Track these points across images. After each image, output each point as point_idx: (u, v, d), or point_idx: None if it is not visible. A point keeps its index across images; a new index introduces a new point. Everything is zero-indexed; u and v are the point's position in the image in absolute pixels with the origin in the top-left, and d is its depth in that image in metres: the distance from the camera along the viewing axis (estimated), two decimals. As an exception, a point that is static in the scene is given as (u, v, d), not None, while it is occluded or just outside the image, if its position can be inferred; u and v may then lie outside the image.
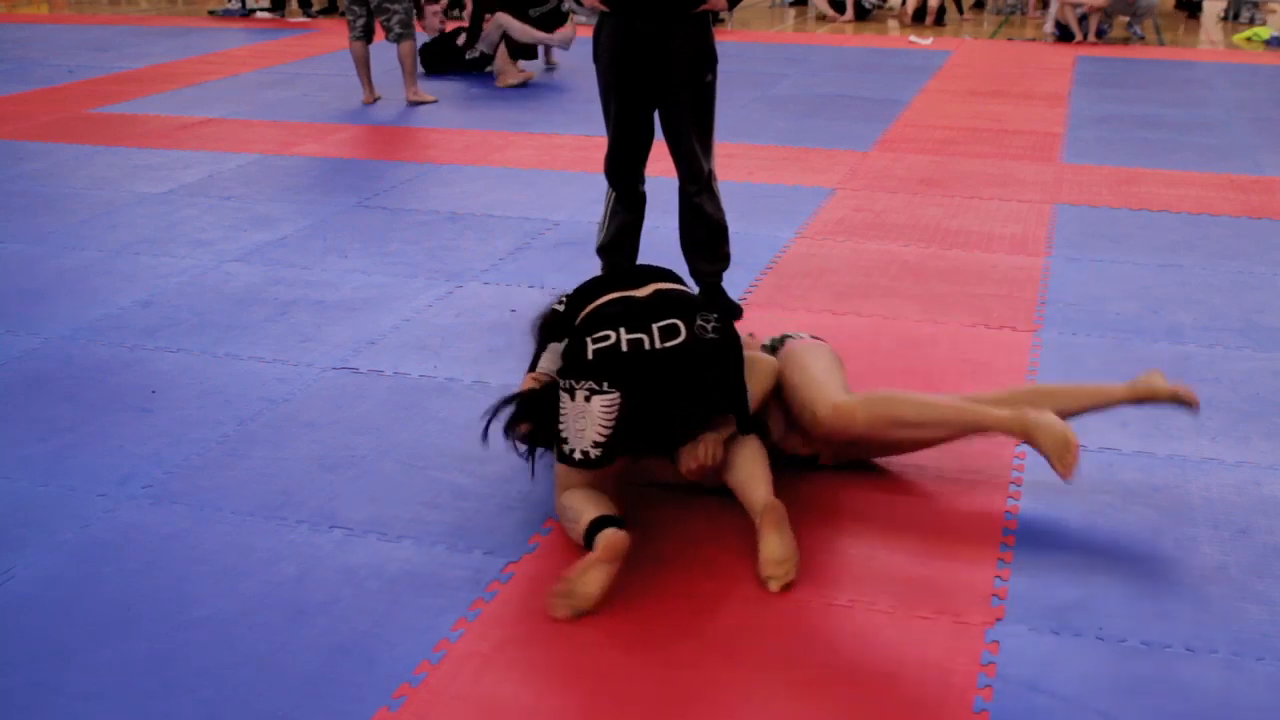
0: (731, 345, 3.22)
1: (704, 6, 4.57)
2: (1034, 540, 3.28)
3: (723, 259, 4.91)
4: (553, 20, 10.45)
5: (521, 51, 10.34)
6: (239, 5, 14.93)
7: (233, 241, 5.83)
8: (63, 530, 3.31)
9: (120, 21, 14.44)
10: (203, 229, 6.03)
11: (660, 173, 5.08)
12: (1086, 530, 3.34)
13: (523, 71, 10.21)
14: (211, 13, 14.94)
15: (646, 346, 3.10)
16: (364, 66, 9.04)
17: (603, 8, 4.60)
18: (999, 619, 2.95)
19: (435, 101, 9.18)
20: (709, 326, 3.16)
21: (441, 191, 6.74)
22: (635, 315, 3.15)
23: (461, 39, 10.63)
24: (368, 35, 8.90)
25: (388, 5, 8.79)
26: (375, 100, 9.13)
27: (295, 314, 4.90)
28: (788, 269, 5.41)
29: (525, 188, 6.79)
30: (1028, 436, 3.27)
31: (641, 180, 4.87)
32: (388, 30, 8.85)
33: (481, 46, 10.40)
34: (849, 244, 5.76)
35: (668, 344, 3.11)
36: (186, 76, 10.39)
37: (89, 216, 6.25)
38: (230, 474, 3.63)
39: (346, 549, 3.23)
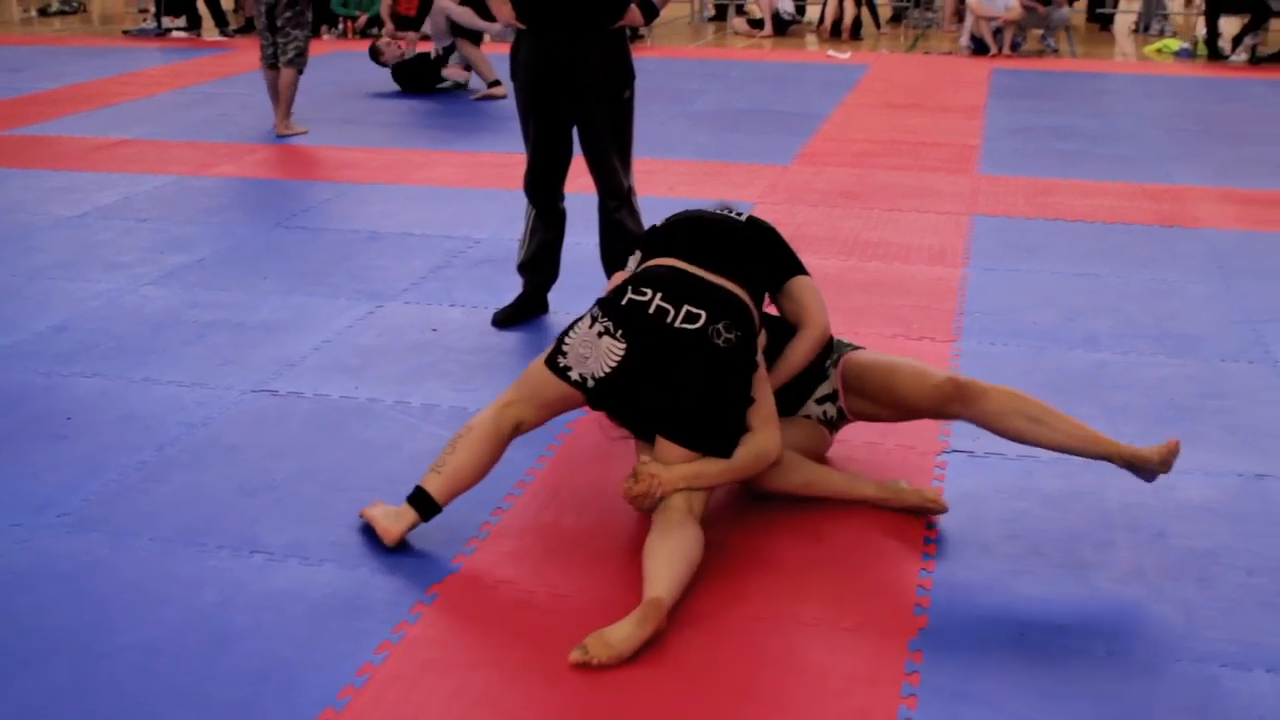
0: (735, 363, 3.20)
1: (620, 22, 4.58)
2: (955, 549, 3.31)
3: None
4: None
5: (471, 36, 10.35)
6: (154, 25, 14.76)
7: (149, 264, 5.76)
8: (-24, 561, 3.25)
9: (33, 42, 14.23)
10: (119, 252, 5.95)
11: (580, 189, 5.09)
12: (1007, 538, 3.38)
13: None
14: (126, 32, 14.77)
15: (667, 320, 3.17)
16: (276, 92, 8.74)
17: (520, 25, 4.60)
18: (922, 628, 2.97)
19: (305, 132, 8.76)
20: (722, 335, 3.18)
21: (361, 211, 6.70)
22: (677, 288, 3.22)
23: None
24: (276, 62, 8.57)
25: (290, 30, 8.46)
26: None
27: (213, 337, 4.85)
28: (710, 283, 5.42)
29: (446, 206, 6.77)
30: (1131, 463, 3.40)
31: (561, 197, 4.88)
32: (281, 54, 8.47)
33: (435, 41, 10.39)
34: (770, 258, 5.78)
35: (683, 326, 3.16)
36: (102, 97, 10.26)
37: (1, 240, 6.15)
38: (149, 500, 3.58)
39: (268, 574, 3.20)
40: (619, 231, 4.83)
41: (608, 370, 3.17)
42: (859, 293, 5.28)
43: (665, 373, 3.16)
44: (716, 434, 3.21)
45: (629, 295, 3.22)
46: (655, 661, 2.83)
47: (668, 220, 3.59)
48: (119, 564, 3.24)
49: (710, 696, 2.72)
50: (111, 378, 4.45)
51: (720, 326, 3.17)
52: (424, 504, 3.28)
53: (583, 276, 5.28)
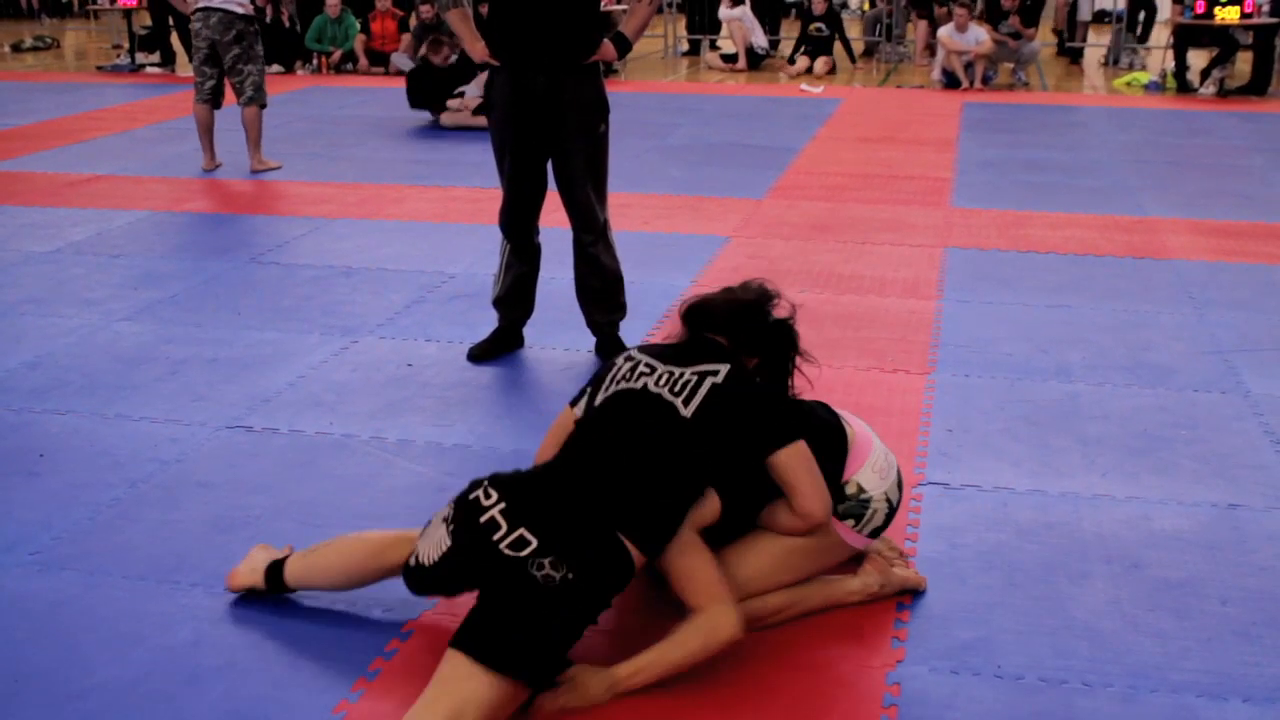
0: (553, 603, 2.74)
1: (595, 57, 4.60)
2: (932, 581, 3.31)
3: (619, 308, 4.94)
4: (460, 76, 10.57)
5: None
6: (128, 61, 14.76)
7: (122, 300, 5.73)
8: (-53, 601, 3.22)
9: (6, 78, 14.20)
10: (91, 288, 5.93)
11: (555, 223, 5.09)
12: (982, 569, 3.38)
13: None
14: (100, 68, 14.76)
15: (494, 537, 2.80)
16: (207, 131, 8.59)
17: (494, 62, 4.61)
18: (900, 660, 2.97)
19: (280, 167, 8.73)
20: (544, 571, 2.74)
21: (335, 246, 6.70)
22: (524, 504, 2.84)
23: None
24: (215, 99, 8.46)
25: (241, 66, 8.30)
26: (216, 166, 8.72)
27: (187, 373, 4.83)
28: (684, 317, 5.42)
29: (420, 241, 6.77)
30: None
31: (536, 232, 4.88)
32: (239, 93, 8.36)
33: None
34: (745, 291, 5.79)
35: (505, 550, 2.77)
36: (74, 133, 10.24)
37: (-27, 277, 6.12)
38: (122, 538, 3.55)
39: (242, 612, 3.18)
40: (595, 266, 4.84)
41: (432, 561, 2.88)
42: (833, 326, 5.30)
43: (481, 586, 2.83)
44: (520, 662, 2.70)
45: (476, 492, 2.90)
46: (638, 695, 2.82)
47: (607, 398, 3.08)
48: (91, 602, 3.22)
49: (684, 713, 2.72)
50: (84, 414, 4.43)
51: (546, 561, 2.73)
52: (275, 578, 3.19)
53: (558, 310, 5.28)
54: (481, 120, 10.38)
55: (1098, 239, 6.84)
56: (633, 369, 3.07)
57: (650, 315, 5.40)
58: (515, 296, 4.95)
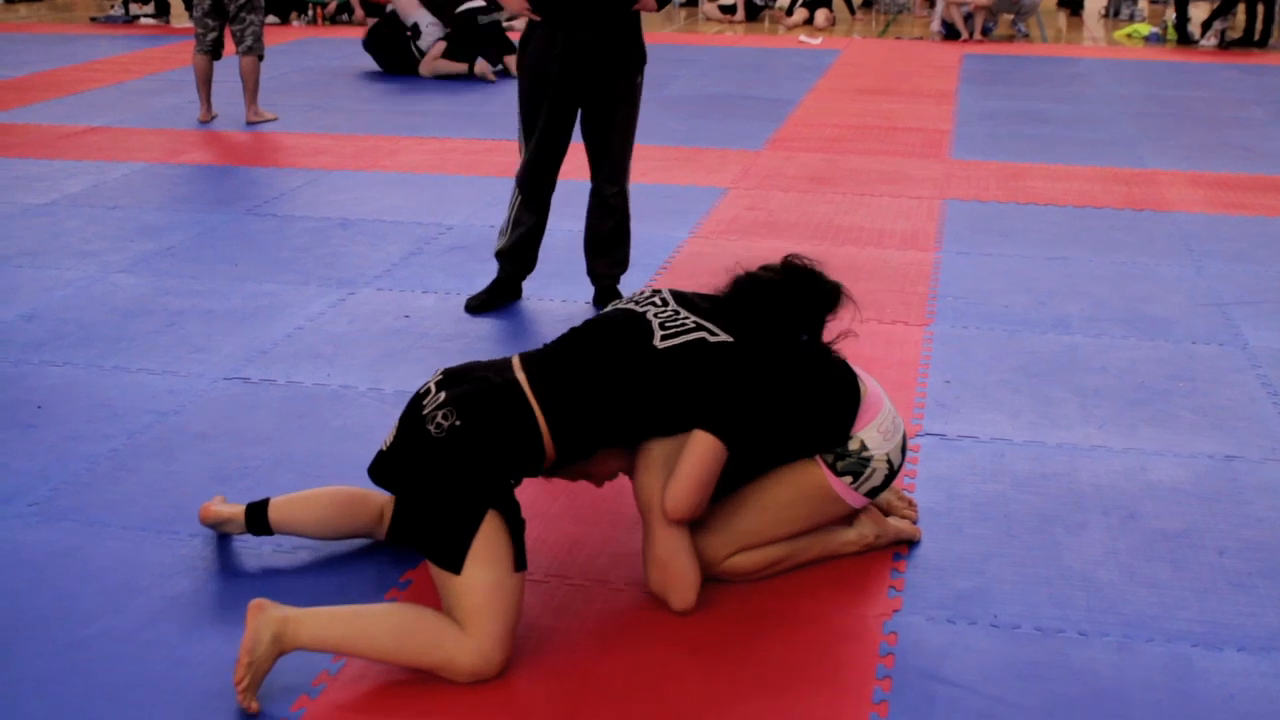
0: (441, 455, 2.75)
1: (636, 7, 4.57)
2: (929, 531, 3.32)
3: (623, 261, 4.93)
4: (491, 38, 10.50)
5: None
6: (122, 12, 14.66)
7: (119, 252, 5.72)
8: (-54, 551, 3.23)
9: (-1, 30, 14.12)
10: (88, 240, 5.91)
11: (561, 176, 5.05)
12: (979, 520, 3.39)
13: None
14: (94, 19, 14.66)
15: (423, 404, 2.83)
16: (206, 82, 8.56)
17: (533, 16, 4.54)
18: (896, 610, 2.98)
19: (276, 119, 8.70)
20: (434, 421, 2.77)
21: (332, 197, 6.67)
22: (458, 377, 2.88)
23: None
24: (216, 50, 8.43)
25: (245, 15, 8.29)
26: (213, 118, 8.68)
27: (184, 324, 4.82)
28: (682, 269, 5.42)
29: (418, 192, 6.74)
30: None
31: (553, 187, 4.85)
32: (239, 41, 8.34)
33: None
34: (742, 242, 5.79)
35: (424, 408, 2.81)
36: (69, 84, 10.18)
37: (-31, 229, 6.10)
38: (120, 489, 3.56)
39: (241, 562, 3.18)
40: (613, 216, 4.83)
41: (388, 445, 2.91)
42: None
43: (405, 461, 2.85)
44: (422, 534, 2.77)
45: (429, 381, 2.92)
46: (633, 637, 2.84)
47: (611, 309, 3.14)
48: (90, 553, 3.22)
49: (679, 678, 2.72)
50: (81, 366, 4.43)
51: (440, 412, 2.77)
52: (256, 518, 3.16)
53: (555, 263, 5.27)
54: (462, 66, 10.36)
55: (1097, 191, 6.82)
56: (650, 296, 3.09)
57: (648, 266, 5.39)
58: (521, 250, 4.92)
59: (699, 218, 6.21)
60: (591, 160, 4.79)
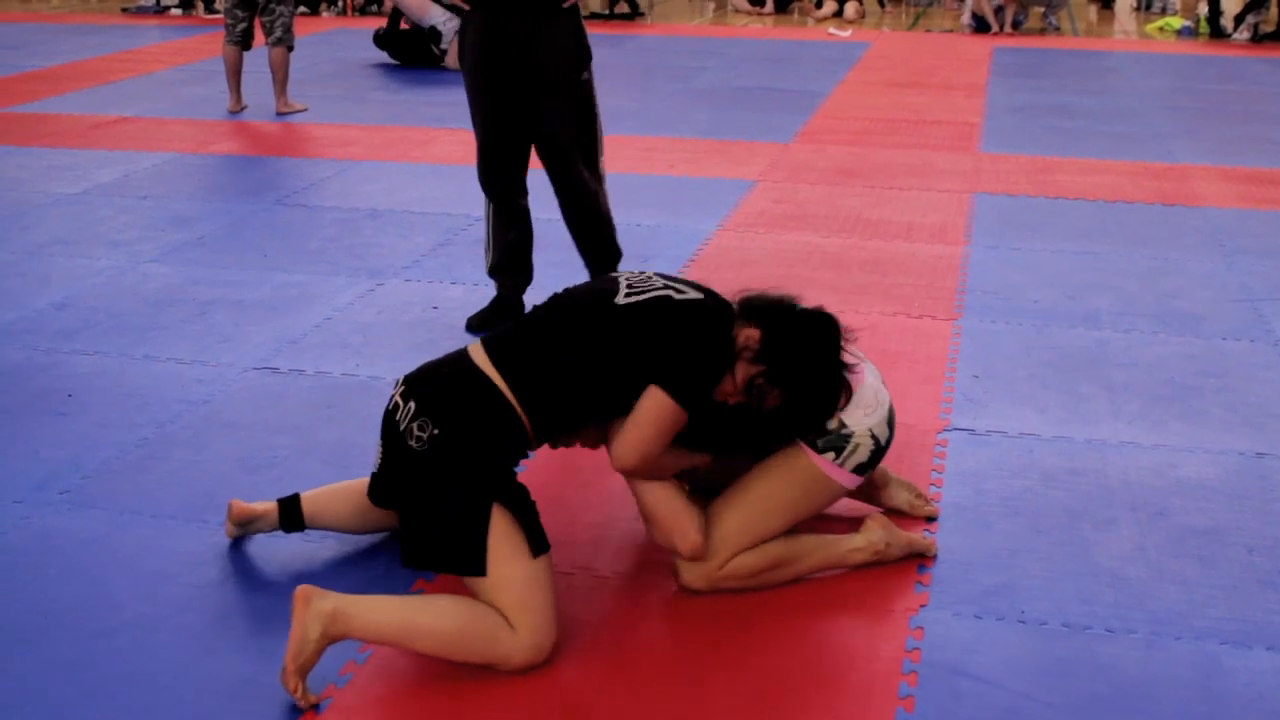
0: (427, 468, 2.76)
1: (566, 4, 4.39)
2: (956, 527, 3.31)
3: (618, 254, 4.78)
4: None
5: None
6: (153, 2, 14.72)
7: (150, 241, 5.75)
8: (-22, 538, 3.26)
9: (31, 19, 14.19)
10: (119, 229, 5.94)
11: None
12: (1007, 515, 3.38)
13: None
14: (125, 10, 14.72)
15: (396, 418, 2.83)
16: (236, 73, 8.59)
17: (463, 5, 4.41)
18: (923, 605, 2.98)
19: (305, 109, 8.72)
20: (414, 435, 2.77)
21: (362, 188, 6.69)
22: (422, 381, 2.87)
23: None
24: (246, 41, 8.46)
25: (274, 6, 8.30)
26: (243, 108, 8.71)
27: (214, 314, 4.84)
28: (710, 261, 5.42)
29: (447, 183, 6.75)
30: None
31: (522, 193, 4.64)
32: (268, 32, 8.34)
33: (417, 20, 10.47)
34: (771, 235, 5.78)
35: (402, 423, 2.81)
36: (100, 74, 10.23)
37: (1, 218, 6.14)
38: (150, 477, 3.58)
39: (269, 550, 3.20)
40: (592, 214, 4.63)
41: (376, 465, 2.92)
42: (859, 271, 5.28)
43: (402, 485, 2.85)
44: (435, 550, 2.78)
45: (393, 394, 2.90)
46: (663, 637, 2.84)
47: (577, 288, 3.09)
48: (120, 541, 3.24)
49: (707, 672, 2.73)
50: (112, 355, 4.45)
51: (415, 424, 2.77)
52: (290, 513, 3.15)
53: (559, 262, 5.26)
54: None
55: (1127, 185, 6.79)
56: (638, 271, 3.04)
57: (676, 259, 5.39)
58: (512, 263, 4.71)
59: (727, 210, 6.20)
60: (551, 164, 4.57)
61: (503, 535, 2.71)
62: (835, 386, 2.95)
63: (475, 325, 4.68)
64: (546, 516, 2.86)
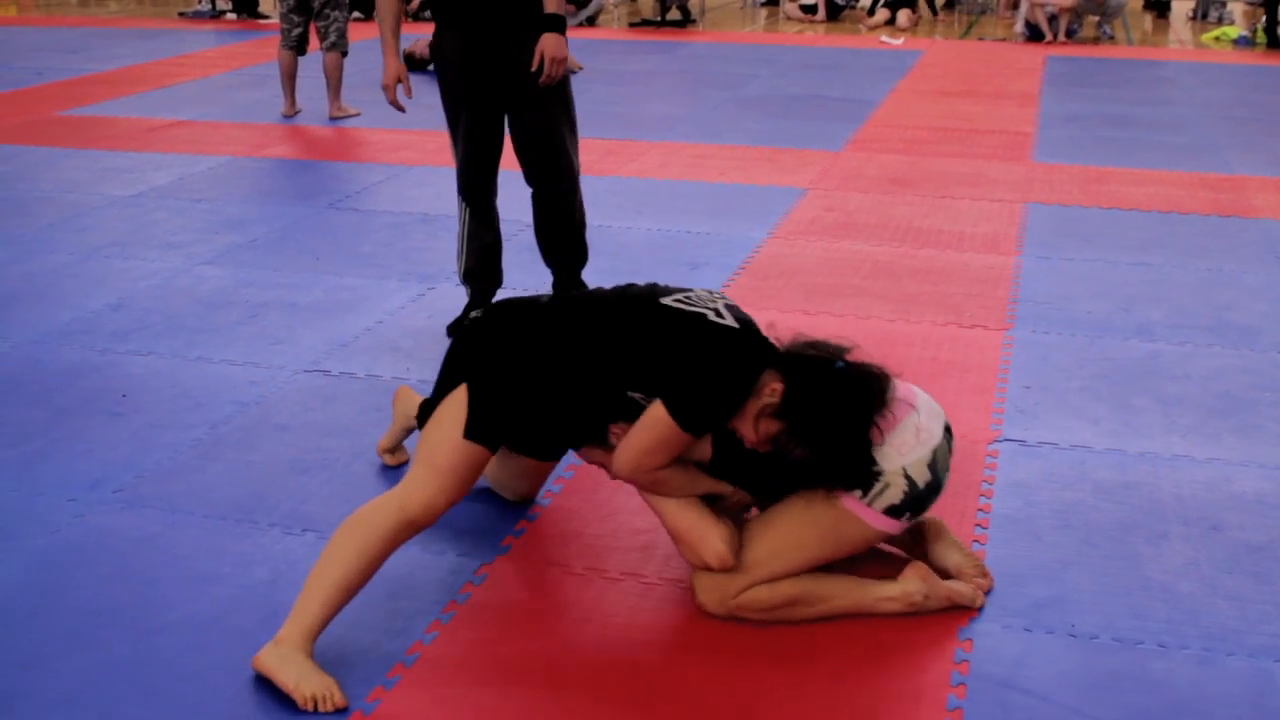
0: None
1: (550, 9, 4.40)
2: (1007, 538, 3.29)
3: (584, 255, 4.81)
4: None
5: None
6: (208, 7, 14.87)
7: (204, 244, 5.80)
8: (33, 536, 3.29)
9: (89, 23, 14.36)
10: (173, 231, 6.00)
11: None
12: (1059, 528, 3.35)
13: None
14: (181, 14, 14.87)
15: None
16: (290, 78, 8.68)
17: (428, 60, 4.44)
18: (972, 617, 2.95)
19: (359, 114, 8.78)
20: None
21: (414, 192, 6.72)
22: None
23: None
24: (300, 46, 8.55)
25: (330, 12, 8.42)
26: (296, 113, 8.81)
27: (267, 317, 4.88)
28: (760, 269, 5.41)
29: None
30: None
31: (494, 194, 4.71)
32: (323, 38, 8.44)
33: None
34: (821, 244, 5.77)
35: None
36: (156, 78, 10.34)
37: (58, 219, 6.21)
38: (202, 478, 3.61)
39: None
40: (566, 216, 4.67)
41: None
42: (910, 280, 5.25)
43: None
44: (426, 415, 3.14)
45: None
46: (708, 641, 2.84)
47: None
48: (172, 540, 3.27)
49: (758, 681, 2.72)
50: (166, 356, 4.49)
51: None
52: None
53: (525, 265, 5.27)
54: None
55: (1182, 196, 6.73)
56: (711, 291, 3.04)
57: (726, 267, 5.39)
58: (486, 267, 4.74)
59: (778, 218, 6.19)
60: (530, 165, 4.63)
61: (457, 405, 2.98)
62: (859, 449, 2.82)
63: (454, 332, 4.71)
64: (595, 524, 2.86)
